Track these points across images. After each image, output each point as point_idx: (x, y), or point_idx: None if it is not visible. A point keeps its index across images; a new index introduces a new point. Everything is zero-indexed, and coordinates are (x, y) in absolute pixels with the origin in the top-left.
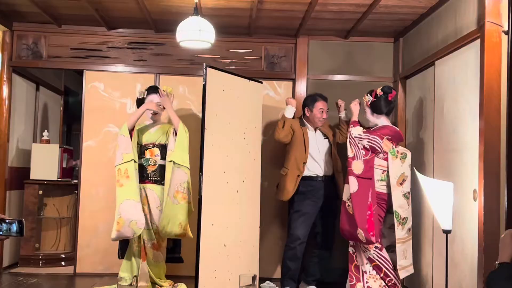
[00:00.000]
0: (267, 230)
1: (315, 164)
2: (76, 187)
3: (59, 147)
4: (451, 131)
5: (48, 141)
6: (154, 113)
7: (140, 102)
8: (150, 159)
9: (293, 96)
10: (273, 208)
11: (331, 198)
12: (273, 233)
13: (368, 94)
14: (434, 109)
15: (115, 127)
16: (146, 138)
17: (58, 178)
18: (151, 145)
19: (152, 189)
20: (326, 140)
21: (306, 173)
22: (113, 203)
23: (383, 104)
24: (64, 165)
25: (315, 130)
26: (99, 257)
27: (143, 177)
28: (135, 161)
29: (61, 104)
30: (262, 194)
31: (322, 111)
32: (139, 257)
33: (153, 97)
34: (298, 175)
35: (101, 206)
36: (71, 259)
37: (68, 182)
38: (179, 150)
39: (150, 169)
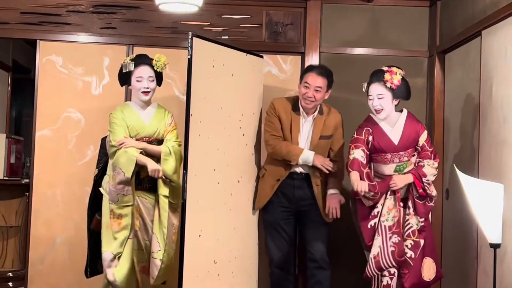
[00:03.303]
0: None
1: None
2: (28, 187)
3: (6, 138)
4: (501, 119)
5: None
6: (147, 91)
7: (125, 77)
8: None
9: None
10: None
11: (309, 201)
12: None
13: (389, 72)
14: (480, 92)
15: (76, 112)
16: (139, 130)
17: (4, 176)
18: (145, 141)
19: (146, 198)
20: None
21: None
22: (74, 207)
23: (408, 87)
24: (12, 160)
25: (311, 117)
26: (56, 275)
27: (134, 183)
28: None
29: (9, 83)
30: None
31: (308, 87)
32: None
33: (144, 70)
34: (278, 179)
35: (58, 211)
36: (20, 278)
37: (17, 181)
38: (177, 187)
39: (143, 173)
